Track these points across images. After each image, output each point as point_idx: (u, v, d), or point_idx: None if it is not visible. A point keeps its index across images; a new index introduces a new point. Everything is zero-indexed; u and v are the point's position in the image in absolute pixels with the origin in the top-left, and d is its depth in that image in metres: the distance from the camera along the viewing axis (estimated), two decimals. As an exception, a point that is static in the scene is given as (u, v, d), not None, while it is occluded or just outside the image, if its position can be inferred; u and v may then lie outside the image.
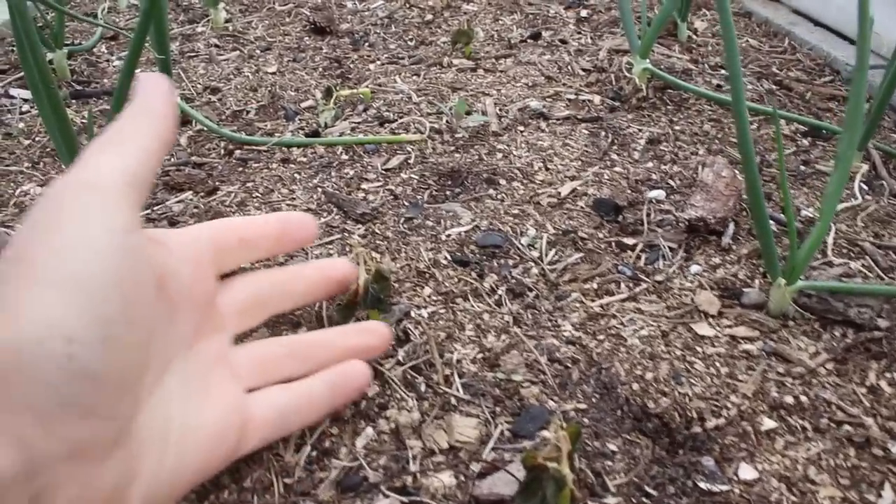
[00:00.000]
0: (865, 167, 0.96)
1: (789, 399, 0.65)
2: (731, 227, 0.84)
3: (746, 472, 0.60)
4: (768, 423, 0.63)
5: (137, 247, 0.42)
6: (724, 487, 0.58)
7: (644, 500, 0.57)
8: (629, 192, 0.91)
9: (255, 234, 0.60)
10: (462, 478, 0.58)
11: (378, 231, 0.84)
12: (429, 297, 0.75)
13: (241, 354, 0.57)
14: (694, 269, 0.79)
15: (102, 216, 0.41)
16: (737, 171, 0.90)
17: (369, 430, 0.61)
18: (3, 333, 0.36)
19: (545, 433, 0.61)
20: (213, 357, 0.53)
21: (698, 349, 0.70)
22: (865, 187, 0.93)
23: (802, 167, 0.97)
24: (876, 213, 0.88)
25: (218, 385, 0.52)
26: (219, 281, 0.57)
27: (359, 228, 0.84)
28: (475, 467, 0.58)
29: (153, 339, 0.45)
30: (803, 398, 0.65)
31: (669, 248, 0.82)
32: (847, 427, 0.63)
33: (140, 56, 0.81)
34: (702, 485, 0.58)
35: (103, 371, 0.39)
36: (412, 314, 0.72)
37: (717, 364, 0.68)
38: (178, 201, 0.93)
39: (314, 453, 0.59)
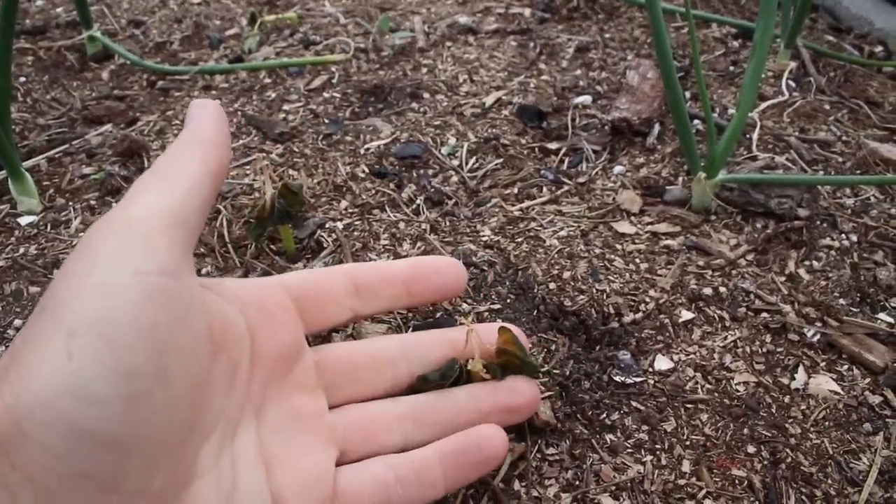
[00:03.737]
0: (794, 65, 0.94)
1: (708, 291, 0.65)
2: (657, 127, 0.83)
3: (662, 363, 0.59)
4: (686, 315, 0.63)
5: (178, 292, 0.36)
6: (639, 379, 0.58)
7: (562, 394, 0.56)
8: (555, 99, 0.90)
9: (376, 280, 0.51)
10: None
11: (296, 149, 0.82)
12: (345, 209, 0.73)
13: (343, 416, 0.48)
14: (617, 169, 0.78)
15: (134, 257, 0.35)
16: (663, 73, 0.88)
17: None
18: (7, 397, 0.31)
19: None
20: (297, 420, 0.45)
21: (618, 247, 0.69)
22: (793, 84, 0.92)
23: (731, 67, 0.95)
24: (802, 109, 0.87)
25: (299, 453, 0.44)
26: (320, 333, 0.51)
27: (277, 148, 0.82)
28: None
29: (205, 398, 0.39)
30: (722, 289, 0.65)
31: (593, 150, 0.81)
32: (764, 315, 0.63)
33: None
34: (617, 378, 0.58)
35: (126, 435, 0.33)
36: (327, 226, 0.70)
37: (637, 260, 0.68)
38: (98, 134, 0.90)
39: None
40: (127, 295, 0.33)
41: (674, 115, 0.70)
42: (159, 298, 0.34)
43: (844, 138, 0.82)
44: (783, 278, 0.66)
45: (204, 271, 0.66)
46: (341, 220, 0.71)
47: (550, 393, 0.56)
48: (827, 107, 0.87)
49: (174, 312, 0.35)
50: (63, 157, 0.85)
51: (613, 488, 0.51)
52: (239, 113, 0.90)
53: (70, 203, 0.77)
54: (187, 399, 0.36)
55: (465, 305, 0.63)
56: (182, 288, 0.36)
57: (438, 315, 0.62)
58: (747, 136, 0.81)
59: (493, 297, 0.64)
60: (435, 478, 0.46)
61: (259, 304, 0.45)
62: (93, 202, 0.77)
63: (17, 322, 0.63)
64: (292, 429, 0.45)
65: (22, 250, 0.71)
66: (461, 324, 0.51)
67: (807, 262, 0.68)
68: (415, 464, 0.46)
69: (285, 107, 0.91)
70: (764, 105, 0.86)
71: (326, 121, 0.87)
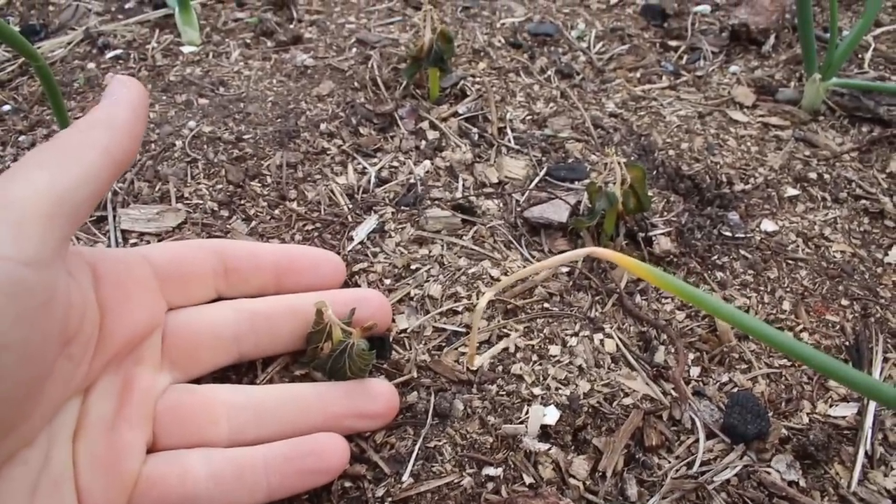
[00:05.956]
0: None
1: (813, 175, 0.70)
2: (772, 38, 0.88)
3: (768, 225, 0.65)
4: (791, 191, 0.69)
5: (37, 286, 0.33)
6: (747, 235, 0.64)
7: (678, 237, 0.63)
8: (675, 5, 0.95)
9: (248, 264, 0.49)
10: (512, 204, 0.64)
11: (437, 17, 0.88)
12: (483, 70, 0.79)
13: (170, 398, 0.45)
14: (733, 68, 0.84)
15: (3, 243, 0.32)
16: (783, -10, 0.93)
17: (426, 163, 0.67)
18: None
19: (588, 179, 0.67)
20: (124, 395, 0.43)
21: (731, 130, 0.75)
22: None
23: (848, -5, 0.99)
24: (915, 38, 0.91)
25: (110, 429, 0.41)
26: (176, 310, 0.48)
27: (417, 14, 0.89)
28: (522, 198, 0.64)
29: (39, 392, 0.36)
30: (826, 175, 0.71)
31: (711, 51, 0.86)
32: (864, 201, 0.69)
33: None
34: (726, 233, 0.64)
35: None
36: (468, 79, 0.77)
37: (749, 143, 0.73)
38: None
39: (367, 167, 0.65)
40: None
41: (798, 13, 0.75)
42: (12, 290, 0.32)
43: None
44: (884, 175, 0.71)
45: (359, 102, 0.73)
46: (480, 77, 0.78)
47: (669, 229, 0.63)
48: (938, 40, 0.91)
49: (25, 307, 0.32)
50: (216, 3, 0.92)
51: (722, 311, 0.57)
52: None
53: (227, 39, 0.84)
54: (17, 397, 0.34)
55: (593, 157, 0.69)
56: (44, 282, 0.34)
57: (571, 161, 0.68)
58: (860, 55, 0.86)
59: (619, 153, 0.70)
60: (256, 482, 0.42)
61: (115, 280, 0.42)
62: (248, 41, 0.84)
63: (191, 123, 0.70)
64: (116, 405, 0.42)
65: (189, 70, 0.78)
66: (605, 158, 0.57)
67: (908, 165, 0.73)
68: (236, 462, 0.43)
69: (422, -18, 0.97)
70: (879, 31, 0.90)
71: (463, -4, 0.93)
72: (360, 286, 0.56)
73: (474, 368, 0.51)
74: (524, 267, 0.58)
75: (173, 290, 0.46)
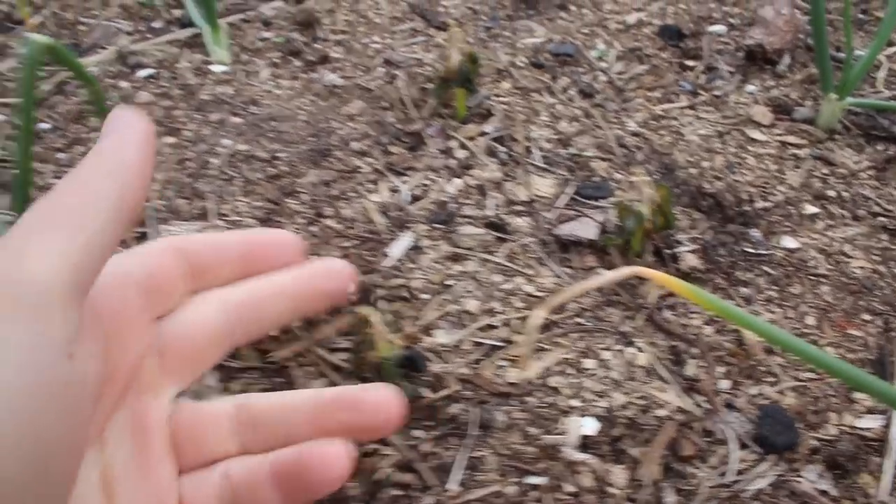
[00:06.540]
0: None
1: (831, 192, 0.72)
2: (787, 58, 0.90)
3: (789, 242, 0.67)
4: (811, 209, 0.71)
5: (70, 374, 0.31)
6: (769, 252, 0.66)
7: (703, 254, 0.65)
8: (691, 25, 0.97)
9: (212, 260, 0.47)
10: (541, 222, 0.66)
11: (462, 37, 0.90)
12: (507, 90, 0.81)
13: (178, 422, 0.43)
14: (749, 88, 0.86)
15: (24, 335, 0.29)
16: (796, 11, 0.95)
17: (456, 181, 0.69)
18: None
19: (615, 198, 0.69)
20: (141, 431, 0.41)
21: (750, 149, 0.77)
22: (916, 38, 0.98)
23: (861, 15, 1.01)
24: (927, 58, 0.93)
25: (142, 470, 0.40)
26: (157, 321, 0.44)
27: (441, 34, 0.91)
28: (551, 215, 0.66)
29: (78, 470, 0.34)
30: (844, 193, 0.73)
31: (728, 71, 0.88)
32: (882, 218, 0.71)
33: None
34: (749, 249, 0.66)
35: None
36: (493, 98, 0.79)
37: (768, 161, 0.75)
38: (272, 7, 0.98)
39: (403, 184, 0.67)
40: (8, 394, 0.28)
41: (814, 33, 0.77)
42: (49, 390, 0.29)
43: (963, 87, 0.88)
44: (900, 193, 0.74)
45: (388, 121, 0.75)
46: (505, 97, 0.80)
47: (695, 247, 0.65)
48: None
49: (63, 403, 0.30)
50: (241, 22, 0.94)
51: (749, 326, 0.59)
52: (403, 2, 0.98)
53: (255, 58, 0.86)
54: (63, 485, 0.31)
55: (618, 175, 0.71)
56: (75, 367, 0.31)
57: (596, 179, 0.70)
58: (873, 75, 0.88)
59: (643, 171, 0.72)
60: (266, 498, 0.41)
61: (111, 314, 0.39)
62: (276, 60, 0.86)
63: (225, 141, 0.72)
64: (135, 443, 0.40)
65: (220, 89, 0.80)
66: (630, 177, 0.59)
67: (923, 183, 0.75)
68: (246, 477, 0.41)
69: (443, 2, 0.98)
70: (892, 50, 0.93)
71: (484, 17, 0.95)
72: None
73: (529, 375, 0.53)
74: (556, 283, 0.60)
75: (155, 302, 0.43)
